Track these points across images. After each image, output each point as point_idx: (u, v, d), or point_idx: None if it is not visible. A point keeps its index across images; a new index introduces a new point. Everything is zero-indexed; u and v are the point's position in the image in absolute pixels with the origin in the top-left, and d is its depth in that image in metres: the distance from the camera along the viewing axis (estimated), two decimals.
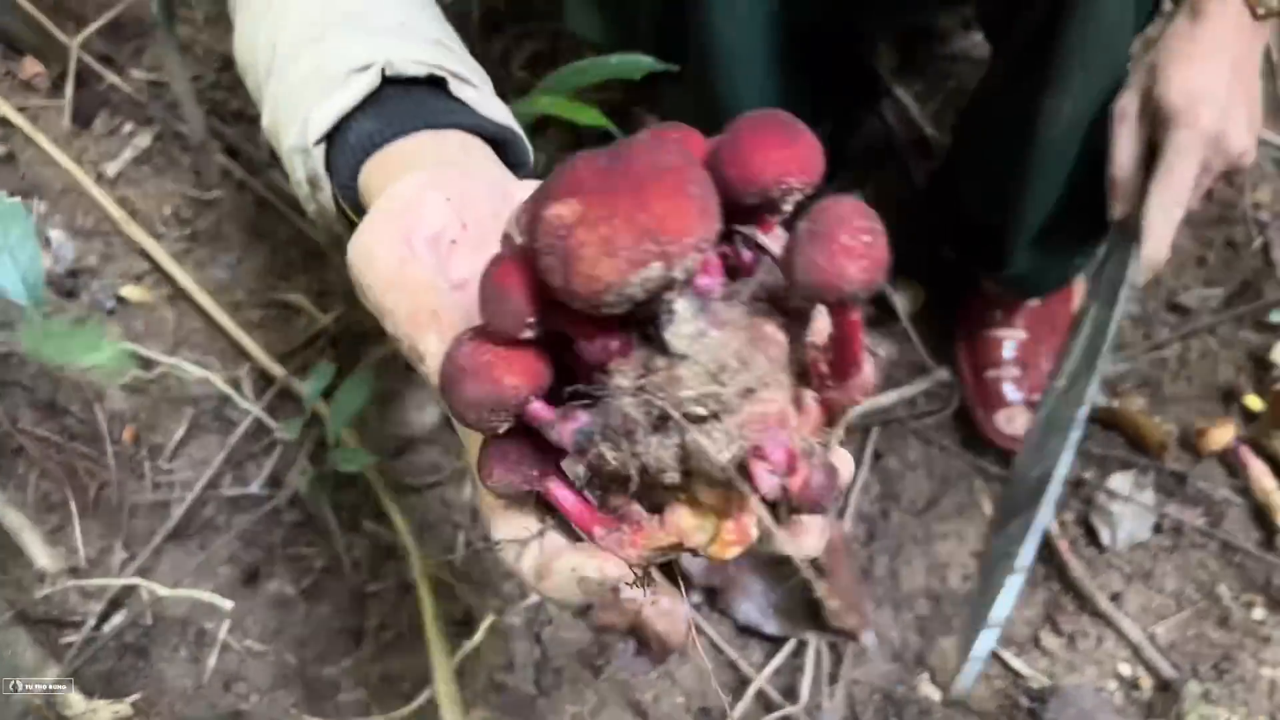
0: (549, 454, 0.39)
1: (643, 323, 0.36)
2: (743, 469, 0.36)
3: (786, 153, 0.36)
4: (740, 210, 0.37)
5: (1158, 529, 1.17)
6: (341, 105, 0.59)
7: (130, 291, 1.15)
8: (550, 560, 0.40)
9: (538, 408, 0.37)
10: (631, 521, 0.40)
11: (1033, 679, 1.10)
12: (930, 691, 1.11)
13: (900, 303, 1.25)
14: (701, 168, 0.35)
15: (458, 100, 0.61)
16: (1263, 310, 1.26)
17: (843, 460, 0.41)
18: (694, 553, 0.40)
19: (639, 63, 0.85)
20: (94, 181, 1.18)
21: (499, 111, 0.62)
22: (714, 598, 1.12)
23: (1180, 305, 1.28)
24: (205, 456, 1.10)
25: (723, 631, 1.11)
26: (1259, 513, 1.16)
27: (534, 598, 1.09)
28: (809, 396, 0.39)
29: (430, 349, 0.41)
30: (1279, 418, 1.17)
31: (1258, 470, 1.17)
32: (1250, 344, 1.25)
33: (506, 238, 0.38)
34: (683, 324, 0.36)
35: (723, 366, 0.36)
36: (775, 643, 1.11)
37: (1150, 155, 0.89)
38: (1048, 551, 1.16)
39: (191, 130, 1.16)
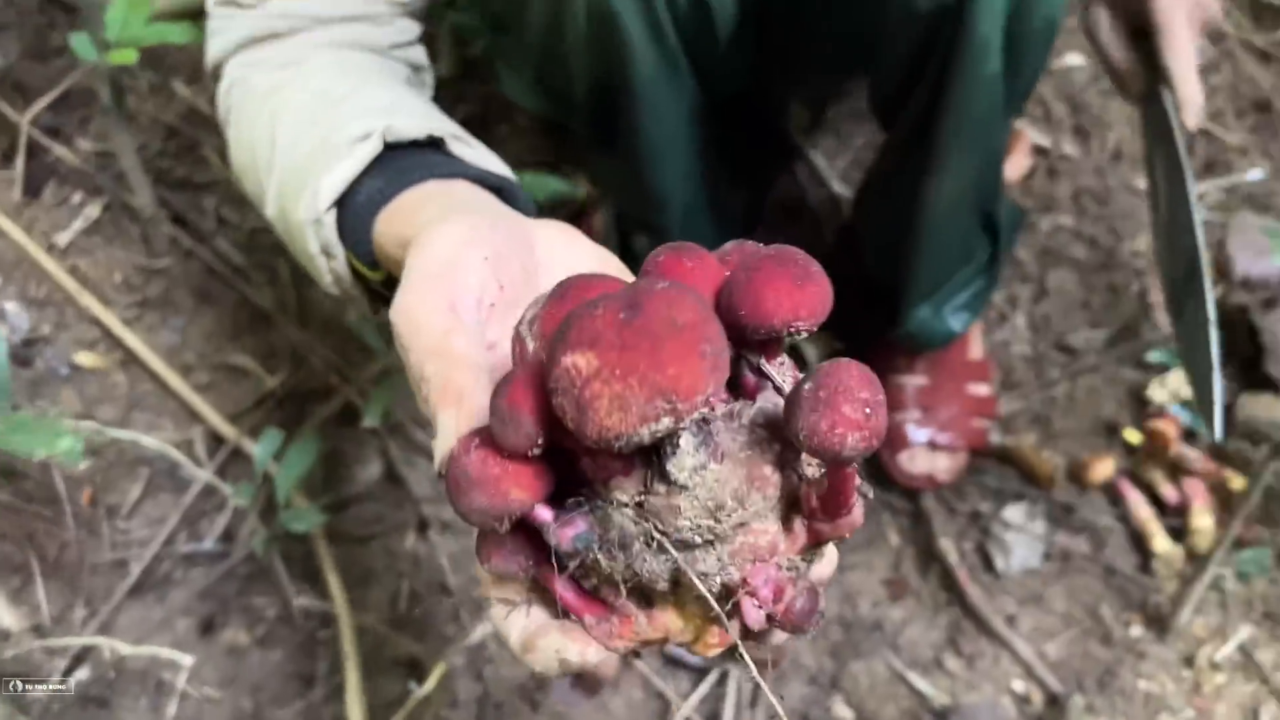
0: (544, 544, 0.41)
1: (646, 449, 0.38)
2: (730, 594, 0.39)
3: (797, 298, 0.38)
4: (748, 341, 0.39)
5: (1047, 556, 1.28)
6: (348, 172, 0.64)
7: (84, 358, 1.21)
8: (536, 637, 0.42)
9: (539, 511, 0.39)
10: (621, 614, 0.42)
11: (935, 698, 1.20)
12: (843, 712, 1.20)
13: (811, 351, 1.35)
14: (715, 321, 0.36)
15: (456, 158, 0.66)
16: (1141, 350, 1.38)
17: (828, 558, 0.45)
18: (677, 646, 0.43)
19: (548, 185, 0.93)
20: (45, 252, 1.24)
21: (497, 165, 0.67)
22: None
23: (1068, 346, 1.40)
24: (161, 515, 1.17)
25: (651, 664, 1.20)
26: (1137, 539, 1.28)
27: (475, 638, 1.17)
28: (798, 521, 0.40)
29: (444, 426, 0.43)
30: (1154, 451, 1.29)
31: (1135, 500, 1.28)
32: (1130, 381, 1.37)
33: (519, 339, 0.41)
34: (685, 457, 0.38)
35: (720, 505, 0.38)
36: (700, 673, 1.20)
37: (1136, 41, 1.02)
38: (948, 580, 1.26)
39: (141, 203, 1.22)
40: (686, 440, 0.37)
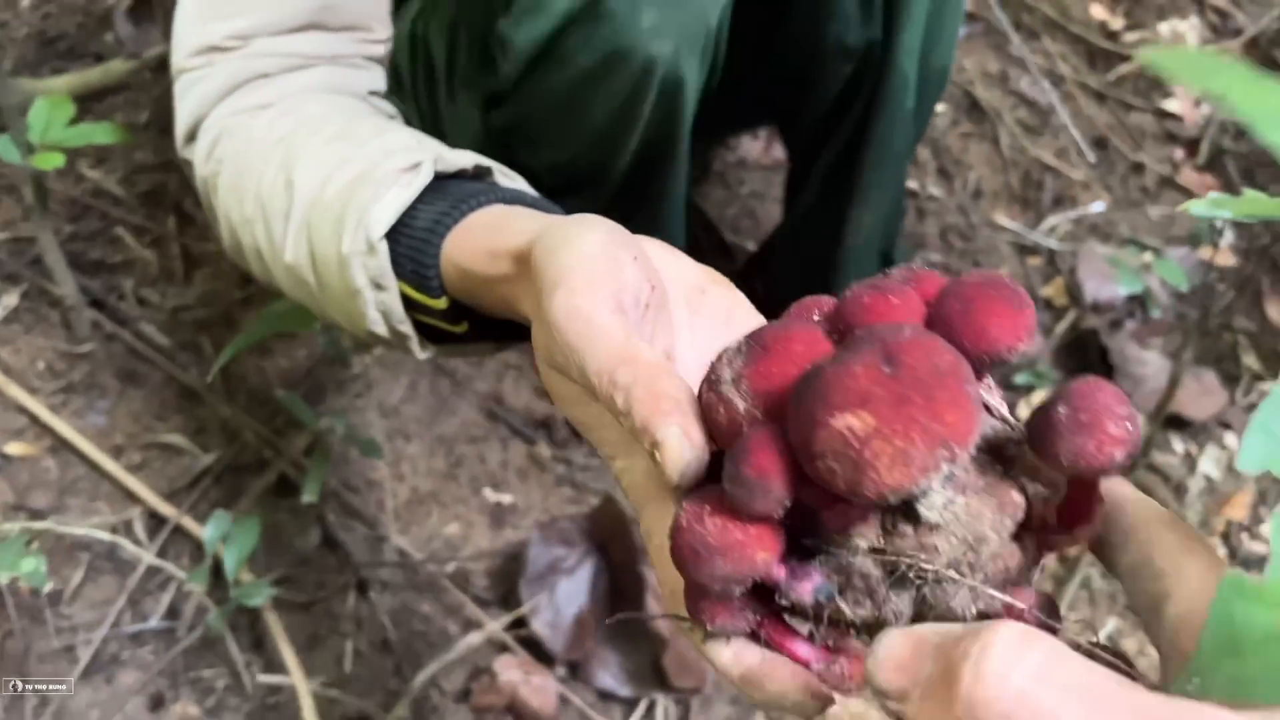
0: (766, 597, 0.41)
1: None
2: (985, 618, 0.38)
3: (1018, 321, 0.38)
4: None
5: None
6: (404, 198, 0.61)
7: (13, 447, 1.23)
8: (763, 678, 0.42)
9: (775, 570, 0.40)
10: (850, 654, 0.41)
11: None
12: None
13: None
14: (965, 360, 0.36)
15: (506, 188, 0.65)
16: (1010, 374, 1.52)
17: None
18: None
19: None
20: None
21: (544, 198, 0.65)
22: (576, 671, 1.29)
23: None
24: (104, 598, 1.20)
25: (586, 699, 1.28)
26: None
27: (418, 690, 1.23)
28: (1025, 536, 0.40)
29: (671, 440, 0.41)
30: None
31: None
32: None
33: (721, 399, 0.40)
34: (935, 496, 0.38)
35: (980, 538, 0.38)
36: (631, 704, 1.29)
37: None
38: None
39: (65, 291, 1.25)
40: (935, 479, 0.38)
